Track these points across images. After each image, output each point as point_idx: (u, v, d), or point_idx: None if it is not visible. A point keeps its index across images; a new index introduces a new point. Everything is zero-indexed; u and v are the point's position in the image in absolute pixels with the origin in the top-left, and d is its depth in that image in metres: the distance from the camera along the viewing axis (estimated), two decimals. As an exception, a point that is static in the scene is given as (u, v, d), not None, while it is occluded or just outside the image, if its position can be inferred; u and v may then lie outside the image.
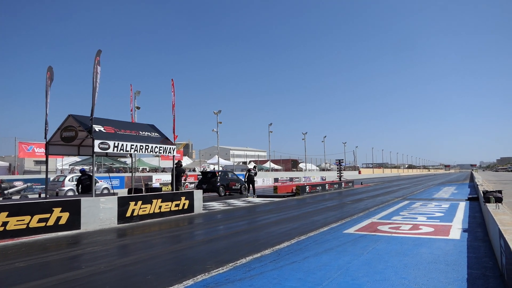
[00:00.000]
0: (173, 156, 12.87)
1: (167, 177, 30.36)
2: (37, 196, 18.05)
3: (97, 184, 23.24)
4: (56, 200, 9.05)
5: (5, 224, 7.92)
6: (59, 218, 8.81)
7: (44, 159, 27.61)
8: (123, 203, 10.36)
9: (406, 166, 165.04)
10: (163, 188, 19.45)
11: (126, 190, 20.97)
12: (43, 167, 29.16)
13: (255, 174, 21.09)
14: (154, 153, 11.91)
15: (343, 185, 28.62)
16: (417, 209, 12.54)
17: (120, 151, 10.60)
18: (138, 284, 4.70)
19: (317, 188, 24.09)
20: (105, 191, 23.81)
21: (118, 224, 10.10)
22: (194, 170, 42.35)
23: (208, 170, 31.52)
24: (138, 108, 32.72)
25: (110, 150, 10.35)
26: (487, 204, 8.28)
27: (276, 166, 61.98)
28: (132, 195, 11.24)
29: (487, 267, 5.12)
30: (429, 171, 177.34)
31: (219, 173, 22.11)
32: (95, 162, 10.67)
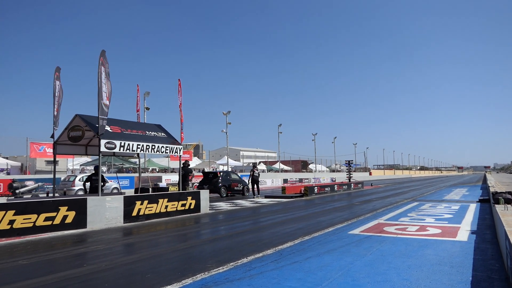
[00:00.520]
0: (180, 156, 12.90)
1: (176, 178, 30.49)
2: (45, 195, 18.28)
3: (107, 184, 23.44)
4: (62, 199, 9.13)
5: (12, 222, 8.02)
6: (65, 217, 8.88)
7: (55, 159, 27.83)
8: (129, 203, 10.40)
9: (418, 167, 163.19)
10: (170, 188, 19.51)
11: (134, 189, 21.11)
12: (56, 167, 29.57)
13: (258, 174, 20.70)
14: (160, 152, 11.95)
15: (352, 186, 28.40)
16: (426, 211, 12.35)
17: (126, 150, 10.66)
18: (137, 282, 4.69)
19: (326, 189, 23.93)
20: (115, 191, 24.02)
21: (124, 223, 10.15)
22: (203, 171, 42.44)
23: (209, 170, 31.39)
24: (147, 109, 32.92)
25: (117, 150, 10.41)
26: (496, 205, 8.11)
27: (285, 167, 61.86)
28: (138, 194, 11.30)
29: (493, 270, 4.99)
30: (441, 172, 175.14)
31: (221, 173, 21.82)
32: (101, 161, 10.73)
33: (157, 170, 38.25)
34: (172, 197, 11.82)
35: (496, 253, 5.94)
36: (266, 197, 21.10)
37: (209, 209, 13.46)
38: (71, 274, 5.06)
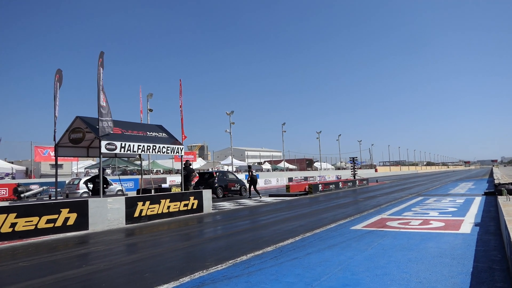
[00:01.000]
0: (181, 156, 12.88)
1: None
2: (48, 198, 18.35)
3: (111, 186, 23.49)
4: (63, 201, 9.15)
5: (13, 225, 8.03)
6: (67, 219, 8.89)
7: (59, 163, 28.03)
8: (131, 204, 10.40)
9: (425, 163, 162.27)
10: (173, 189, 19.50)
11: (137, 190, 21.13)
12: (60, 171, 29.71)
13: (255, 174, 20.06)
14: (161, 153, 11.93)
15: (357, 183, 28.26)
16: (430, 205, 12.24)
17: (127, 151, 10.66)
18: (135, 281, 4.67)
19: (330, 186, 23.83)
20: (119, 193, 24.08)
21: (126, 224, 10.15)
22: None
23: (205, 170, 31.09)
24: (151, 110, 33.00)
25: (117, 151, 10.41)
26: (499, 196, 8.01)
27: (291, 166, 61.78)
28: (140, 195, 11.30)
29: (495, 260, 4.92)
30: (448, 167, 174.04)
31: (217, 173, 21.18)
32: (105, 163, 10.72)
33: (162, 172, 38.32)
34: (175, 198, 11.81)
35: (499, 244, 5.86)
36: (270, 195, 21.08)
37: (212, 209, 13.44)
38: (70, 275, 5.05)
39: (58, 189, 16.81)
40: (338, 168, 71.78)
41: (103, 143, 9.99)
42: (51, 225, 8.61)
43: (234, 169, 46.78)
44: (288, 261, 5.34)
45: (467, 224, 7.94)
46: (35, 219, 8.37)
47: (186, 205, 12.15)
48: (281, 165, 59.70)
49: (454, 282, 4.09)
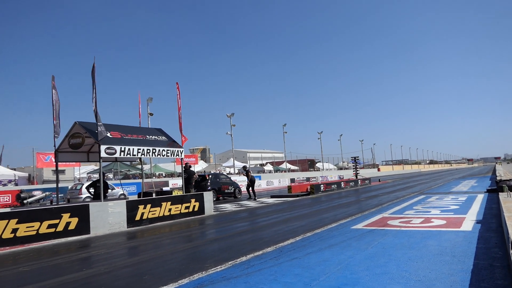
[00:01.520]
0: (182, 159, 12.89)
1: (182, 182, 30.50)
2: (49, 203, 18.38)
3: (113, 190, 23.54)
4: (64, 206, 9.16)
5: (15, 231, 8.05)
6: (68, 224, 8.91)
7: (61, 168, 28.16)
8: (132, 207, 10.41)
9: (428, 161, 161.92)
10: (174, 192, 19.46)
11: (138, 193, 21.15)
12: (62, 176, 29.79)
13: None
14: (161, 156, 11.94)
15: (359, 182, 28.20)
16: (432, 203, 12.20)
17: (127, 155, 10.67)
18: (134, 283, 4.67)
19: (332, 186, 23.79)
20: (122, 198, 24.11)
21: (127, 227, 10.16)
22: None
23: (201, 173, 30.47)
24: (151, 114, 33.08)
25: (117, 155, 10.43)
26: (500, 193, 7.97)
27: (292, 167, 61.73)
28: (141, 198, 11.31)
29: (496, 258, 4.89)
30: (451, 165, 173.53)
31: (210, 176, 20.52)
32: (107, 168, 10.74)
33: (164, 175, 38.35)
34: (176, 200, 11.82)
35: (500, 241, 5.83)
36: (272, 196, 21.04)
37: (214, 211, 13.44)
38: (69, 279, 5.06)
39: (60, 195, 16.89)
40: (341, 168, 71.69)
41: (103, 147, 10.01)
42: (52, 230, 8.62)
43: (236, 171, 46.77)
44: (287, 261, 5.33)
45: (469, 222, 7.90)
46: (36, 225, 8.39)
47: (187, 207, 12.16)
48: (283, 166, 59.70)
49: (454, 280, 4.07)
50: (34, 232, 8.34)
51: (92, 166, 32.48)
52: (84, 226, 9.20)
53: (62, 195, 22.15)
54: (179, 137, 13.39)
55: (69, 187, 23.54)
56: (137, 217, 10.50)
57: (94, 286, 4.68)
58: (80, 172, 30.34)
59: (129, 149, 10.75)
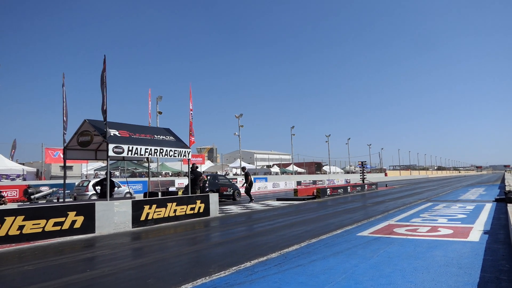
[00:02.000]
0: (188, 159, 12.91)
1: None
2: (56, 200, 18.51)
3: (120, 188, 23.68)
4: (71, 204, 9.20)
5: (21, 228, 8.11)
6: (74, 222, 8.96)
7: (69, 164, 28.36)
8: (137, 207, 10.44)
9: (436, 167, 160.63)
10: (179, 192, 19.46)
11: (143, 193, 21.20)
12: (69, 173, 30.01)
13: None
14: (169, 156, 11.97)
15: (366, 187, 28.04)
16: (439, 211, 12.08)
17: (134, 155, 10.71)
18: (137, 287, 4.67)
19: (339, 190, 23.68)
20: (128, 196, 24.24)
21: (132, 227, 10.19)
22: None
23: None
24: (160, 113, 33.21)
25: (125, 154, 10.47)
26: (509, 204, 7.85)
27: (299, 169, 61.59)
28: (147, 198, 11.34)
29: (503, 271, 4.81)
30: (459, 172, 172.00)
31: (208, 177, 20.14)
32: (114, 166, 10.80)
33: (170, 174, 38.47)
34: (181, 201, 11.83)
35: (507, 253, 5.74)
36: (278, 199, 21.01)
37: (219, 213, 13.44)
38: (73, 280, 5.07)
39: (67, 191, 16.97)
40: (347, 172, 71.36)
41: (111, 146, 10.05)
42: (58, 228, 8.67)
43: (243, 172, 46.79)
44: (292, 268, 5.30)
45: (476, 232, 7.80)
46: (42, 222, 8.44)
47: (192, 208, 12.17)
48: (290, 168, 59.59)
49: (460, 293, 4.01)
50: (40, 230, 8.40)
51: (100, 163, 32.64)
52: (89, 224, 9.24)
53: (69, 191, 22.33)
54: (187, 136, 13.43)
55: (76, 183, 23.74)
56: (142, 217, 10.53)
57: None
58: (87, 168, 30.55)
59: (136, 148, 10.78)
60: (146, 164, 35.80)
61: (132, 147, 10.64)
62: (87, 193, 22.43)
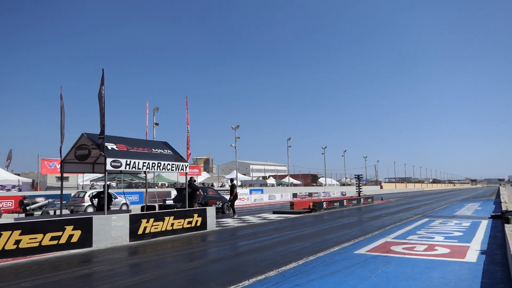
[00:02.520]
0: (186, 173, 12.93)
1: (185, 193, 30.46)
2: (57, 212, 18.41)
3: (116, 200, 23.55)
4: (68, 218, 9.17)
5: (18, 242, 8.06)
6: (71, 236, 8.92)
7: (65, 175, 28.13)
8: (135, 221, 10.42)
9: (431, 180, 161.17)
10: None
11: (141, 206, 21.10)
12: (65, 183, 29.84)
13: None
14: (166, 170, 11.99)
15: (362, 201, 28.08)
16: (436, 228, 12.12)
17: (132, 169, 10.72)
18: (136, 307, 4.66)
19: (335, 204, 23.70)
20: (124, 207, 24.12)
21: (130, 241, 10.15)
22: (212, 186, 42.41)
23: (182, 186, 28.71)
24: (156, 124, 33.26)
25: (122, 168, 10.47)
26: (506, 224, 7.92)
27: (295, 181, 61.57)
28: (144, 212, 11.32)
29: (501, 294, 4.85)
30: (454, 185, 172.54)
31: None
32: (110, 177, 10.79)
33: (166, 185, 38.35)
34: (178, 215, 11.81)
35: (505, 276, 5.77)
36: (274, 212, 21.00)
37: (216, 226, 13.41)
38: (71, 298, 5.05)
39: (63, 202, 16.85)
40: (343, 184, 71.44)
41: (109, 160, 10.06)
42: (55, 242, 8.63)
43: (239, 183, 46.71)
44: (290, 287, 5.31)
45: (473, 252, 7.85)
46: (39, 236, 8.40)
47: (190, 222, 12.15)
48: (286, 180, 59.57)
49: (459, 317, 4.04)
50: (37, 244, 8.36)
51: (96, 174, 32.55)
52: (86, 239, 9.20)
53: (65, 202, 22.18)
54: (184, 147, 13.47)
55: (72, 194, 23.60)
56: (140, 231, 10.50)
57: (97, 307, 4.68)
58: (83, 179, 30.41)
59: (134, 162, 10.79)
60: (143, 175, 35.77)
61: (130, 161, 10.65)
62: (83, 204, 22.30)
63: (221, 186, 40.48)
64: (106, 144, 10.25)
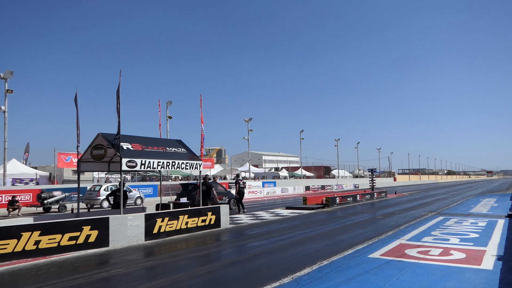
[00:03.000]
0: (200, 171, 13.02)
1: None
2: (74, 206, 18.75)
3: (130, 193, 23.92)
4: (85, 218, 9.35)
5: (37, 242, 8.27)
6: (88, 236, 9.11)
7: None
8: (150, 220, 10.57)
9: (445, 171, 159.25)
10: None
11: (157, 199, 21.34)
12: (81, 176, 30.41)
13: (244, 186, 18.71)
14: (180, 169, 12.09)
15: (375, 195, 27.93)
16: (451, 228, 12.01)
17: (147, 168, 10.84)
18: (154, 317, 4.76)
19: (348, 199, 23.63)
20: (139, 201, 24.48)
21: (145, 240, 10.31)
22: (225, 178, 42.63)
23: (190, 181, 28.13)
24: (170, 117, 33.48)
25: (138, 168, 10.60)
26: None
27: (307, 173, 61.50)
28: (159, 211, 11.47)
29: (518, 309, 4.81)
30: (469, 177, 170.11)
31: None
32: (123, 180, 10.93)
33: (180, 178, 38.69)
34: (193, 213, 11.94)
35: (523, 287, 5.71)
36: (287, 208, 21.07)
37: (229, 223, 13.53)
38: (91, 305, 5.18)
39: (81, 195, 17.09)
40: (356, 176, 71.10)
41: (124, 160, 10.19)
42: (73, 242, 8.83)
43: (252, 175, 46.90)
44: (305, 298, 5.34)
45: (489, 257, 7.76)
46: (58, 237, 8.60)
47: (203, 220, 12.27)
48: (299, 172, 59.56)
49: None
50: (56, 244, 8.56)
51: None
52: (103, 238, 9.38)
53: (81, 195, 22.57)
54: (198, 142, 13.59)
55: (88, 188, 24.02)
56: (155, 230, 10.65)
57: (116, 317, 4.79)
58: (99, 173, 30.88)
59: (149, 162, 10.91)
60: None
61: (145, 161, 10.77)
62: (99, 197, 22.71)
63: (233, 179, 40.68)
64: (121, 144, 10.37)
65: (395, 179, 79.84)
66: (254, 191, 35.51)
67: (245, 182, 20.27)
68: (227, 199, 20.12)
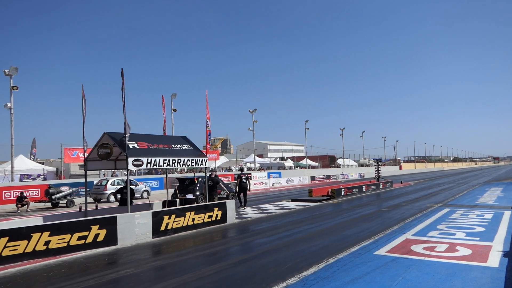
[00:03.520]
0: (205, 168, 13.09)
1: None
2: (82, 200, 18.95)
3: (137, 187, 24.12)
4: (93, 218, 9.46)
5: (47, 243, 8.41)
6: (97, 235, 9.24)
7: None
8: (157, 218, 10.68)
9: (451, 159, 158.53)
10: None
11: (164, 191, 21.50)
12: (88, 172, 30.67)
13: (247, 180, 18.23)
14: (186, 166, 12.17)
15: (381, 185, 27.95)
16: (457, 221, 12.03)
17: (153, 166, 10.92)
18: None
19: (354, 190, 23.68)
20: (145, 194, 24.68)
21: (153, 238, 10.44)
22: (230, 170, 42.77)
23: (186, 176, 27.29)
24: (174, 110, 33.52)
25: (144, 167, 10.70)
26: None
27: (313, 163, 61.55)
28: (166, 209, 11.58)
29: (524, 311, 4.84)
30: (476, 164, 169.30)
31: (199, 180, 18.90)
32: (129, 179, 11.02)
33: (185, 170, 38.85)
34: (199, 210, 12.05)
35: (528, 286, 5.74)
36: (292, 200, 21.17)
37: (236, 218, 13.64)
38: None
39: (88, 190, 17.26)
40: (361, 165, 71.01)
41: (130, 159, 10.27)
42: (82, 242, 8.97)
43: (258, 166, 47.00)
44: (312, 299, 5.42)
45: (495, 253, 7.79)
46: (67, 237, 8.74)
47: (210, 216, 12.38)
48: (304, 162, 59.60)
49: None
50: (65, 244, 8.70)
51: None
52: (112, 237, 9.52)
53: (88, 190, 22.81)
54: (203, 136, 13.64)
55: (95, 182, 24.25)
56: (162, 228, 10.77)
57: (126, 322, 4.89)
58: (105, 166, 31.12)
59: (155, 160, 10.99)
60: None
61: (151, 159, 10.85)
62: (106, 192, 22.94)
63: (238, 170, 40.81)
64: (127, 142, 10.43)
65: (400, 167, 79.66)
66: (259, 182, 35.63)
67: (250, 173, 20.16)
68: (225, 194, 19.94)
